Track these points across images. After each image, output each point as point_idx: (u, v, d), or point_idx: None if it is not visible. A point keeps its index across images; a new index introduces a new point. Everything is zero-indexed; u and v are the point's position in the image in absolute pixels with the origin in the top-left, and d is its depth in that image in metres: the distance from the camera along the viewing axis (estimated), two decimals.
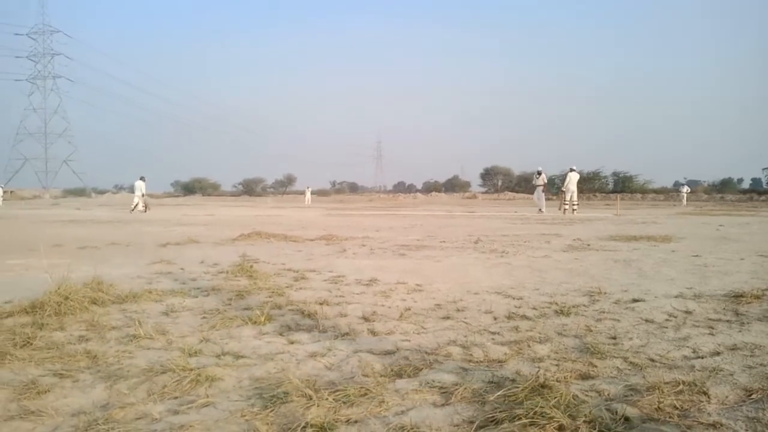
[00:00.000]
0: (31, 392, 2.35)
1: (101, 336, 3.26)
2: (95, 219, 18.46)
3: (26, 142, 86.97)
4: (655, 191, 62.10)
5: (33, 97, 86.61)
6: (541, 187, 24.04)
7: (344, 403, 2.20)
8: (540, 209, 23.44)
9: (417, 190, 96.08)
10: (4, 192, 43.79)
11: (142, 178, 26.75)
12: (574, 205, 22.15)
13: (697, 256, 7.21)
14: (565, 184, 22.53)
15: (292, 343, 3.15)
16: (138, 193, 26.30)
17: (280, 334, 3.32)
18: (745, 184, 74.93)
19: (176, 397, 2.31)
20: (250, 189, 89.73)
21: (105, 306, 4.03)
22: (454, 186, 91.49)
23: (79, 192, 78.86)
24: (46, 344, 3.05)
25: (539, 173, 24.32)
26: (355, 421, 2.05)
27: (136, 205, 25.97)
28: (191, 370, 2.57)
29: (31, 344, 3.03)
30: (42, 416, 2.12)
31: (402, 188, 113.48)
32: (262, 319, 3.57)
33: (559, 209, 22.77)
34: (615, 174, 66.95)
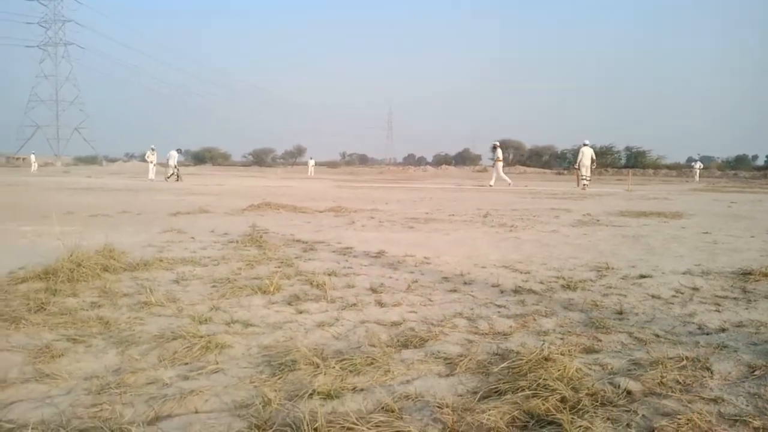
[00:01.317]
0: (45, 356, 2.42)
1: (113, 303, 3.32)
2: (106, 187, 18.60)
3: (38, 109, 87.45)
4: (668, 167, 61.49)
5: (44, 64, 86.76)
6: (500, 163, 23.88)
7: (351, 371, 2.24)
8: (490, 184, 23.32)
9: (427, 163, 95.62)
10: (35, 160, 46.37)
11: (178, 150, 27.30)
12: (585, 180, 21.84)
13: (706, 233, 7.18)
14: (579, 159, 22.22)
15: (300, 312, 3.19)
16: (173, 162, 26.79)
17: (289, 304, 3.36)
18: (760, 161, 73.95)
19: (186, 363, 2.37)
20: (260, 159, 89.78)
21: (117, 273, 4.09)
22: (464, 159, 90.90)
23: (91, 160, 79.36)
24: (59, 310, 3.11)
25: (495, 147, 24.12)
26: (361, 390, 2.09)
27: (172, 174, 26.43)
28: (201, 337, 2.62)
29: (45, 309, 3.10)
30: (56, 379, 2.18)
31: (412, 161, 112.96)
32: (272, 288, 3.62)
33: (577, 185, 22.37)
34: (627, 149, 66.28)
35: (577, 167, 22.54)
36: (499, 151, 23.99)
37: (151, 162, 28.38)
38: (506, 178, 23.97)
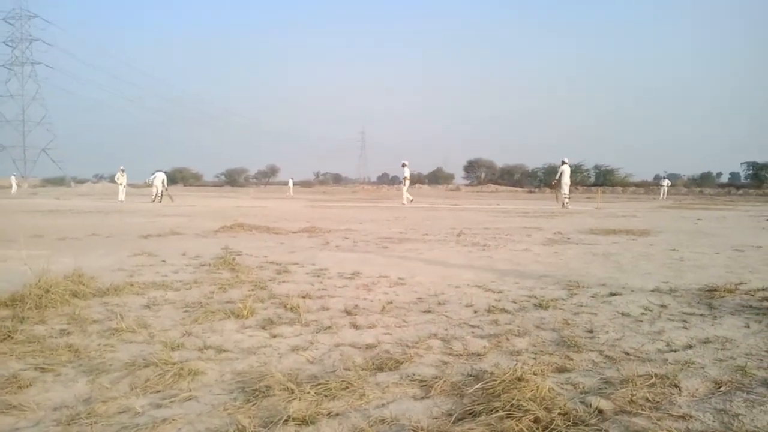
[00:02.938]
0: (12, 386, 2.35)
1: (83, 329, 3.26)
2: (75, 209, 18.23)
3: (3, 129, 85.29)
4: (636, 185, 62.83)
5: (10, 83, 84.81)
6: (407, 182, 24.92)
7: (326, 396, 2.23)
8: (403, 202, 24.06)
9: (401, 182, 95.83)
10: (15, 182, 46.65)
11: (163, 171, 27.12)
12: (565, 198, 21.88)
13: (674, 250, 7.35)
14: (559, 177, 22.15)
15: (274, 336, 3.18)
16: (158, 183, 26.47)
17: (263, 328, 3.34)
18: (724, 178, 76.04)
19: (159, 391, 2.33)
20: (232, 179, 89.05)
21: (86, 299, 4.01)
22: (437, 178, 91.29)
23: (59, 181, 77.72)
24: (27, 338, 3.04)
25: (403, 165, 24.92)
26: (336, 414, 2.09)
27: (162, 195, 26.13)
28: (174, 364, 2.59)
29: (12, 338, 3.02)
30: (24, 410, 2.13)
31: (386, 180, 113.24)
32: (245, 312, 3.59)
33: (557, 202, 22.24)
34: (596, 167, 67.58)
35: (554, 184, 22.61)
36: (406, 170, 24.56)
37: (121, 183, 27.95)
38: (408, 196, 24.79)
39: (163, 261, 6.08)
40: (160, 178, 26.77)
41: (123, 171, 28.04)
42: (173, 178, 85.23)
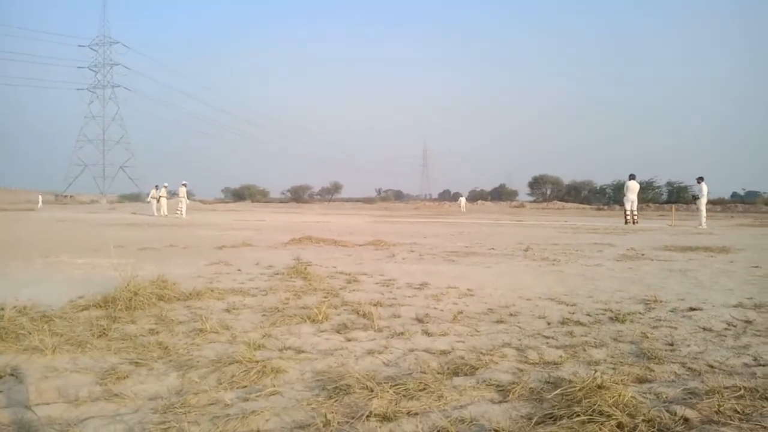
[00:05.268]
0: (111, 377, 2.54)
1: (170, 329, 3.45)
2: (152, 223, 19.17)
3: (85, 148, 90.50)
4: (712, 202, 59.80)
5: (92, 105, 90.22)
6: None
7: (404, 396, 2.28)
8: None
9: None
10: (41, 200, 49.39)
11: (184, 184, 27.74)
12: (634, 214, 20.86)
13: (757, 267, 6.99)
14: (625, 193, 21.17)
15: (349, 340, 3.26)
16: (183, 196, 27.18)
17: (338, 332, 3.43)
18: None
19: (244, 386, 2.45)
20: (297, 196, 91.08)
21: (171, 302, 4.24)
22: (501, 195, 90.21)
23: (134, 197, 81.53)
24: (120, 335, 3.26)
25: None
26: (416, 413, 2.13)
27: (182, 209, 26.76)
28: (257, 362, 2.71)
29: (107, 335, 3.25)
30: (124, 399, 2.29)
31: (447, 196, 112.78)
32: (320, 317, 3.70)
33: (626, 222, 21.08)
34: (669, 184, 64.90)
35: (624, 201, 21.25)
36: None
37: (155, 198, 29.09)
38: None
39: (239, 270, 6.32)
40: (184, 190, 27.28)
41: (157, 187, 29.21)
42: (241, 195, 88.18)
